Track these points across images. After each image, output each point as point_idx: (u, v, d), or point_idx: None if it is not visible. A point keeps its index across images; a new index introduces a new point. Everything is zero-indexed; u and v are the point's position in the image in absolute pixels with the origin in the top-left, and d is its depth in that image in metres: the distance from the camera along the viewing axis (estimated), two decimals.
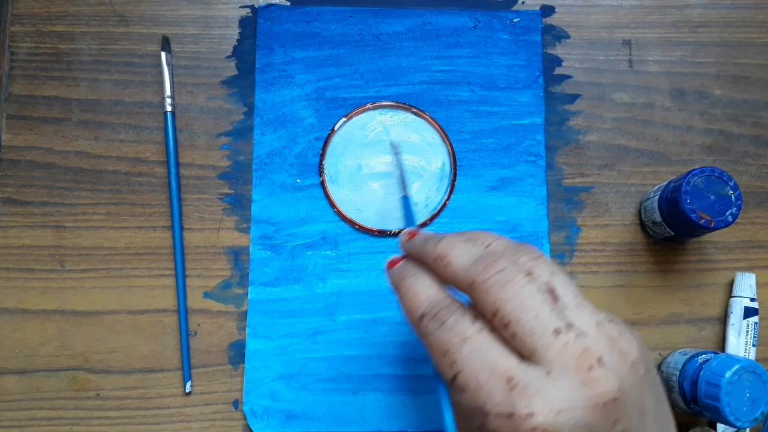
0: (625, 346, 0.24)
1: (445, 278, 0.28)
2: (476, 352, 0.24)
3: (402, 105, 0.45)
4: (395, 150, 0.44)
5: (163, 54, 0.44)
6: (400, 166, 0.43)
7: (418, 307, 0.28)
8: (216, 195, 0.44)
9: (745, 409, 0.36)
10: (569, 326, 0.24)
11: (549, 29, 0.46)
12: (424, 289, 0.28)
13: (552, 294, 0.25)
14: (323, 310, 0.42)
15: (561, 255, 0.44)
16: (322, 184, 0.44)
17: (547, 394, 0.23)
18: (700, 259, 0.44)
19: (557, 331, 0.24)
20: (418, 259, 0.30)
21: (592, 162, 0.45)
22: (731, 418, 0.36)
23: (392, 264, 0.32)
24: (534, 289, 0.25)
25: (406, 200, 0.39)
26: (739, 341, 0.42)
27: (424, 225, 0.43)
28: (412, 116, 0.45)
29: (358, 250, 0.43)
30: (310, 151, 0.44)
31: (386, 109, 0.45)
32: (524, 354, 0.24)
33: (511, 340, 0.24)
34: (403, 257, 0.32)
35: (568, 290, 0.25)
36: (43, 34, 0.45)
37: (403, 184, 0.41)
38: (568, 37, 0.46)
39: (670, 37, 0.46)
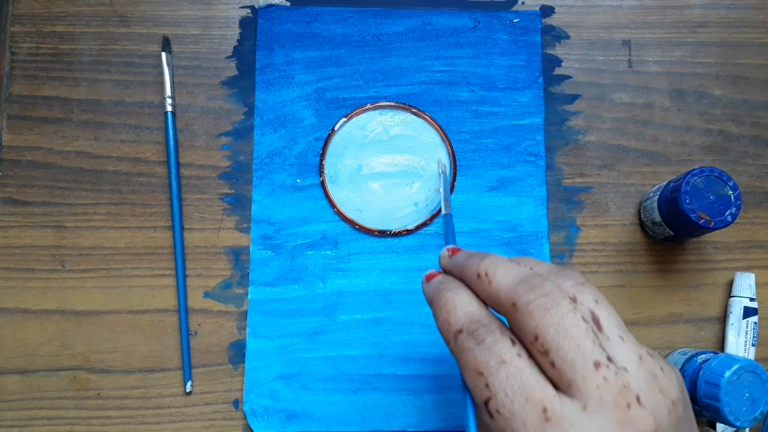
0: (665, 384, 0.23)
1: (486, 296, 0.27)
2: (513, 377, 0.23)
3: (402, 105, 0.45)
4: (441, 168, 0.43)
5: (163, 54, 0.44)
6: (445, 183, 0.42)
7: (455, 322, 0.26)
8: (216, 195, 0.44)
9: (744, 408, 0.36)
10: (610, 360, 0.23)
11: (549, 29, 0.46)
12: (463, 304, 0.27)
13: (596, 323, 0.24)
14: (323, 310, 0.42)
15: (560, 255, 0.44)
16: (323, 184, 0.44)
17: (581, 429, 0.22)
18: (699, 259, 0.44)
19: (597, 365, 0.23)
20: (458, 276, 0.29)
21: (591, 162, 0.45)
22: (731, 418, 0.36)
23: (430, 278, 0.31)
24: (578, 318, 0.24)
25: (448, 218, 0.39)
26: (739, 341, 0.42)
27: (424, 225, 0.43)
28: (412, 116, 0.45)
29: (358, 250, 0.43)
30: (311, 151, 0.44)
31: (386, 110, 0.45)
32: (561, 384, 0.23)
33: (549, 368, 0.23)
34: (441, 273, 0.31)
35: (612, 321, 0.25)
36: (43, 34, 0.45)
37: (446, 202, 0.40)
38: (567, 37, 0.46)
39: (670, 37, 0.46)
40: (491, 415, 0.23)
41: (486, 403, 0.24)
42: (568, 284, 0.25)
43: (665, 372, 0.24)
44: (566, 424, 0.22)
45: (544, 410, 0.22)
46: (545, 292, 0.24)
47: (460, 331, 0.26)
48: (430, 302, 0.29)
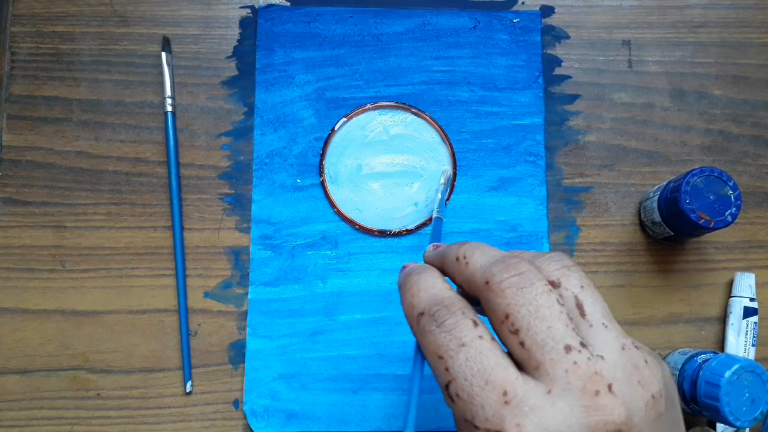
0: (647, 377, 0.22)
1: (462, 279, 0.26)
2: (473, 360, 0.23)
3: (402, 105, 0.45)
4: (445, 178, 0.44)
5: (163, 54, 0.44)
6: (443, 191, 0.43)
7: (418, 305, 0.25)
8: (216, 195, 0.44)
9: (744, 408, 0.36)
10: (584, 345, 0.22)
11: (549, 29, 0.46)
12: (428, 286, 0.26)
13: (580, 309, 0.24)
14: (323, 310, 0.42)
15: None
16: (323, 184, 0.44)
17: (542, 413, 0.21)
18: (699, 259, 0.44)
19: (568, 348, 0.22)
20: (438, 265, 0.28)
21: (591, 162, 0.45)
22: (731, 418, 0.36)
23: (404, 268, 0.30)
24: (553, 299, 0.23)
25: (438, 221, 0.39)
26: (739, 341, 0.42)
27: (424, 225, 0.43)
28: (412, 116, 0.45)
29: (358, 250, 0.43)
30: (311, 151, 0.44)
31: (386, 110, 0.45)
32: (529, 367, 0.22)
33: (519, 348, 0.23)
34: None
35: (597, 307, 0.24)
36: (43, 34, 0.45)
37: (441, 208, 0.41)
38: (567, 37, 0.46)
39: (670, 37, 0.46)
40: (452, 399, 0.23)
41: (447, 386, 0.23)
42: (552, 267, 0.25)
43: (649, 365, 0.23)
44: (526, 408, 0.21)
45: (505, 393, 0.22)
46: (520, 271, 0.24)
47: (421, 314, 0.25)
48: (399, 289, 0.28)
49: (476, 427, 0.22)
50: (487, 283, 0.24)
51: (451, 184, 0.44)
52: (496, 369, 0.22)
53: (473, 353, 0.23)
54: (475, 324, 0.24)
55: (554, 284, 0.24)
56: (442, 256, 0.28)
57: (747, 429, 0.42)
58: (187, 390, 0.41)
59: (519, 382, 0.22)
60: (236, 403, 0.42)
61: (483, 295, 0.24)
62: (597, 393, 0.21)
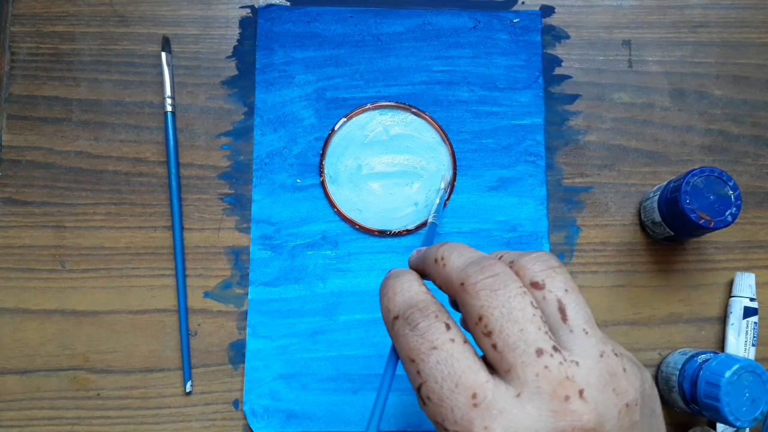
0: (623, 385, 0.22)
1: (441, 281, 0.26)
2: (443, 363, 0.23)
3: (402, 105, 0.45)
4: (444, 184, 0.44)
5: (163, 54, 0.44)
6: (442, 196, 0.43)
7: (393, 308, 0.26)
8: (216, 195, 0.44)
9: (744, 408, 0.36)
10: (557, 350, 0.22)
11: (549, 29, 0.46)
12: (404, 290, 0.26)
13: (562, 313, 0.23)
14: (323, 310, 0.42)
15: (561, 255, 0.44)
16: (323, 184, 0.44)
17: (510, 417, 0.21)
18: (699, 259, 0.44)
19: (540, 352, 0.22)
20: (420, 268, 0.29)
21: (591, 162, 0.45)
22: (731, 418, 0.36)
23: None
24: (526, 302, 0.23)
25: (432, 226, 0.39)
26: (739, 341, 0.42)
27: (424, 225, 0.43)
28: (412, 116, 0.45)
29: (358, 250, 0.43)
30: (311, 151, 0.44)
31: (386, 110, 0.45)
32: (501, 369, 0.22)
33: (491, 351, 0.23)
34: None
35: (580, 312, 0.23)
36: (43, 34, 0.45)
37: (438, 212, 0.41)
38: (567, 37, 0.46)
39: (670, 37, 0.46)
40: (424, 402, 0.23)
41: (419, 389, 0.23)
42: (537, 267, 0.24)
43: (627, 373, 0.23)
44: (495, 411, 0.21)
45: (474, 396, 0.22)
46: (494, 273, 0.24)
47: (396, 318, 0.25)
48: (380, 293, 0.28)
49: (446, 430, 0.22)
50: (462, 284, 0.24)
51: (451, 184, 0.44)
52: (467, 372, 0.22)
53: (444, 356, 0.23)
54: (448, 327, 0.24)
55: (538, 286, 0.24)
56: (422, 259, 0.28)
57: (747, 429, 0.42)
58: (187, 390, 0.41)
59: (489, 385, 0.22)
60: (236, 403, 0.42)
61: (459, 296, 0.24)
62: (567, 398, 0.21)
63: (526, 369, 0.22)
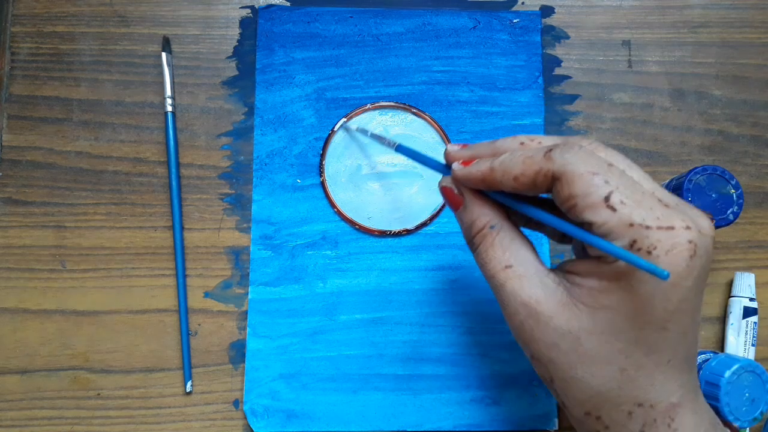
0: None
1: (536, 155, 0.28)
2: (624, 176, 0.26)
3: (402, 105, 0.45)
4: (350, 129, 0.44)
5: (163, 54, 0.44)
6: (376, 137, 0.42)
7: (540, 148, 0.28)
8: (216, 195, 0.44)
9: (744, 408, 0.36)
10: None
11: (548, 30, 0.46)
12: (535, 147, 0.29)
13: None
14: (323, 310, 0.42)
15: (561, 255, 0.44)
16: (323, 184, 0.44)
17: (692, 215, 0.26)
18: None
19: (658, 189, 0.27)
20: (489, 154, 0.30)
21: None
22: (730, 418, 0.36)
23: (467, 163, 0.31)
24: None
25: (401, 147, 0.38)
26: (739, 341, 0.42)
27: (423, 225, 0.43)
28: (412, 116, 0.45)
29: (358, 250, 0.43)
30: (311, 151, 0.44)
31: (386, 110, 0.45)
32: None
33: None
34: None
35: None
36: (43, 34, 0.45)
37: (385, 140, 0.40)
38: (567, 37, 0.46)
39: (670, 37, 0.46)
40: (614, 209, 0.25)
41: (607, 198, 0.25)
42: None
43: None
44: (679, 211, 0.26)
45: (660, 200, 0.26)
46: (594, 139, 0.29)
47: (550, 150, 0.27)
48: (489, 172, 0.29)
49: (648, 227, 0.25)
50: (580, 147, 0.27)
51: None
52: (640, 185, 0.26)
53: (621, 170, 0.26)
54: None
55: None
56: (492, 149, 0.31)
57: (747, 429, 0.42)
58: (187, 390, 0.42)
59: (660, 194, 0.27)
60: (236, 403, 0.42)
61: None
62: (698, 214, 0.27)
63: (662, 190, 0.27)
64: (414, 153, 0.36)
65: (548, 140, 0.29)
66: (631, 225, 0.25)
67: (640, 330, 0.26)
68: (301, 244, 0.43)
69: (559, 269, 0.29)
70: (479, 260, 0.31)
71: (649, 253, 0.24)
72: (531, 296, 0.28)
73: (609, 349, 0.27)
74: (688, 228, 0.25)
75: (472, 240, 0.31)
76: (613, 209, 0.25)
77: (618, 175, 0.26)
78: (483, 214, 0.30)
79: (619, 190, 0.25)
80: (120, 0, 0.46)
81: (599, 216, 0.25)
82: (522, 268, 0.29)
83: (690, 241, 0.25)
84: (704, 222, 0.26)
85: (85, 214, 0.43)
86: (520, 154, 0.28)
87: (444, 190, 0.32)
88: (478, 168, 0.30)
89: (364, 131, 0.43)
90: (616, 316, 0.26)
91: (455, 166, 0.31)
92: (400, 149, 0.38)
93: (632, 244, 0.25)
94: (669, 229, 0.25)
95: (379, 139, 0.41)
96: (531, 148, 0.28)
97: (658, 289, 0.25)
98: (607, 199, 0.25)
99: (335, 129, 0.44)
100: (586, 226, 0.26)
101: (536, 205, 0.29)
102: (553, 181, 0.27)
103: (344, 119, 0.44)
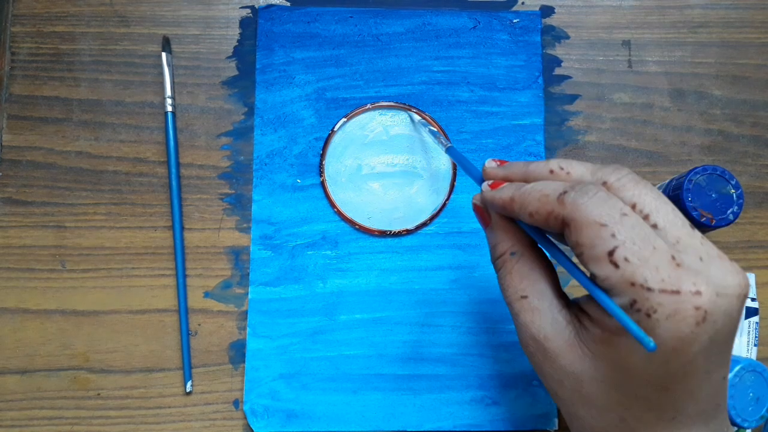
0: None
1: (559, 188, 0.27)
2: (638, 227, 0.24)
3: (402, 105, 0.45)
4: (414, 121, 0.44)
5: (163, 54, 0.44)
6: (429, 131, 0.42)
7: (556, 189, 0.26)
8: (216, 195, 0.44)
9: (750, 408, 0.36)
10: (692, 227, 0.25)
11: (548, 30, 0.46)
12: (554, 184, 0.27)
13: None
14: (323, 310, 0.42)
15: None
16: (323, 184, 0.44)
17: (708, 275, 0.23)
18: None
19: (692, 226, 0.25)
20: (520, 178, 0.30)
21: (591, 162, 0.45)
22: (737, 420, 0.36)
23: (496, 185, 0.30)
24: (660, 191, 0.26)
25: (452, 150, 0.38)
26: (741, 341, 0.42)
27: (423, 225, 0.43)
28: (412, 116, 0.45)
29: (358, 250, 0.43)
30: (311, 151, 0.44)
31: (386, 110, 0.45)
32: (667, 243, 0.25)
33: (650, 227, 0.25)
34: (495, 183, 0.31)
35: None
36: (43, 34, 0.45)
37: (439, 138, 0.40)
38: (567, 37, 0.46)
39: (670, 37, 0.46)
40: (617, 265, 0.24)
41: (611, 253, 0.24)
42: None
43: None
44: (694, 270, 0.23)
45: (673, 257, 0.24)
46: (627, 173, 0.27)
47: (564, 192, 0.26)
48: (509, 202, 0.28)
49: (650, 289, 0.23)
50: (605, 183, 0.26)
51: (451, 185, 0.44)
52: (657, 238, 0.24)
53: (635, 221, 0.25)
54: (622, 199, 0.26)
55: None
56: (523, 173, 0.30)
57: (748, 430, 0.42)
58: (187, 390, 0.41)
59: (676, 249, 0.24)
60: (236, 403, 0.42)
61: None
62: (730, 261, 0.25)
63: (693, 237, 0.25)
64: (461, 158, 0.36)
65: (578, 169, 0.28)
66: (633, 284, 0.24)
67: (639, 387, 0.25)
68: (301, 244, 0.43)
69: (575, 305, 0.29)
70: (500, 284, 0.30)
71: (649, 316, 0.23)
72: (540, 332, 0.28)
73: (608, 399, 0.26)
74: (697, 293, 0.23)
75: (495, 263, 0.31)
76: (616, 265, 0.24)
77: (629, 227, 0.24)
78: (505, 240, 0.30)
79: (626, 245, 0.24)
80: (120, 0, 0.46)
81: (602, 270, 0.24)
82: (537, 301, 0.28)
83: (698, 308, 0.23)
84: (732, 280, 0.24)
85: (85, 214, 0.43)
86: (538, 190, 0.27)
87: (474, 208, 0.32)
88: (501, 195, 0.29)
89: (423, 124, 0.43)
90: (615, 369, 0.25)
91: (484, 186, 0.31)
92: (450, 151, 0.38)
93: (632, 304, 0.24)
94: (674, 293, 0.23)
95: (434, 136, 0.42)
96: (550, 186, 0.27)
97: (658, 352, 0.24)
98: (611, 254, 0.24)
99: (335, 129, 0.44)
100: (592, 275, 0.25)
101: (554, 240, 0.29)
102: (563, 225, 0.26)
103: (344, 119, 0.44)
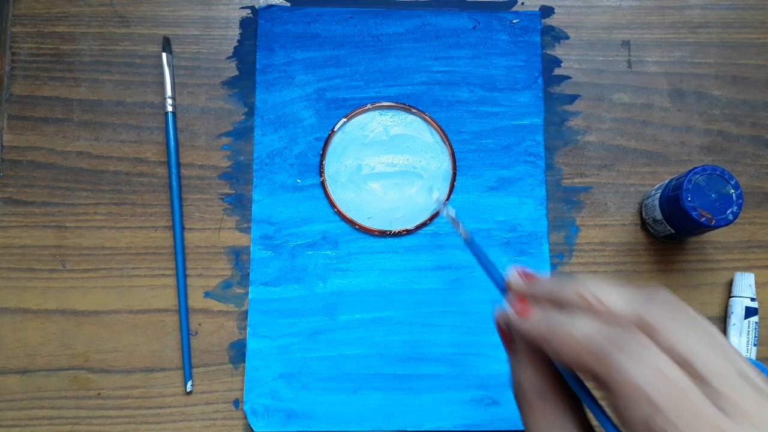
0: None
1: (596, 321, 0.24)
2: (677, 392, 0.21)
3: (402, 105, 0.45)
4: (435, 197, 0.43)
5: (164, 55, 0.44)
6: (453, 220, 0.37)
7: (592, 333, 0.23)
8: (217, 195, 0.44)
9: None
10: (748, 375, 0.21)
11: (548, 30, 0.46)
12: (588, 328, 0.24)
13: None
14: (323, 310, 0.42)
15: (560, 255, 0.44)
16: (323, 184, 0.44)
17: None
18: (699, 259, 0.44)
19: (743, 375, 0.21)
20: (547, 300, 0.27)
21: (591, 162, 0.45)
22: None
23: (523, 312, 0.27)
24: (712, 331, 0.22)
25: (472, 244, 0.34)
26: (741, 341, 0.42)
27: (423, 225, 0.43)
28: (412, 116, 0.45)
29: (358, 250, 0.43)
30: (311, 151, 0.44)
31: (386, 110, 0.45)
32: (714, 401, 0.21)
33: (694, 380, 0.21)
34: (518, 304, 0.28)
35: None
36: (44, 34, 0.45)
37: (458, 226, 0.36)
38: (567, 37, 0.46)
39: (669, 37, 0.46)
40: (652, 429, 0.21)
41: (647, 420, 0.21)
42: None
43: None
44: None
45: (717, 427, 0.20)
46: (666, 302, 0.23)
47: (610, 352, 0.23)
48: (541, 342, 0.25)
49: None
50: (639, 319, 0.23)
51: (451, 185, 0.44)
52: (701, 404, 0.20)
53: (675, 383, 0.21)
54: (662, 350, 0.22)
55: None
56: (550, 294, 0.27)
57: None
58: (188, 390, 0.42)
59: (727, 420, 0.20)
60: (236, 403, 0.42)
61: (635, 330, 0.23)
62: None
63: (744, 398, 0.21)
64: (481, 255, 0.33)
65: (611, 297, 0.24)
66: None
67: None
68: (301, 244, 0.43)
69: None
70: (523, 421, 0.27)
71: None
72: None
73: None
74: None
75: (517, 398, 0.28)
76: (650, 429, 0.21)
77: (668, 393, 0.21)
78: (531, 376, 0.27)
79: (664, 413, 0.20)
80: (120, 0, 0.46)
81: None
82: None
83: None
84: None
85: (85, 214, 0.43)
86: (576, 339, 0.24)
87: (498, 327, 0.30)
88: (529, 330, 0.26)
89: (445, 208, 0.39)
90: None
91: (511, 312, 0.27)
92: (470, 243, 0.34)
93: None
94: None
95: (454, 223, 0.37)
96: (584, 330, 0.24)
97: None
98: (647, 421, 0.21)
99: (335, 129, 0.44)
100: None
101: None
102: (596, 380, 0.23)
103: (344, 119, 0.44)
